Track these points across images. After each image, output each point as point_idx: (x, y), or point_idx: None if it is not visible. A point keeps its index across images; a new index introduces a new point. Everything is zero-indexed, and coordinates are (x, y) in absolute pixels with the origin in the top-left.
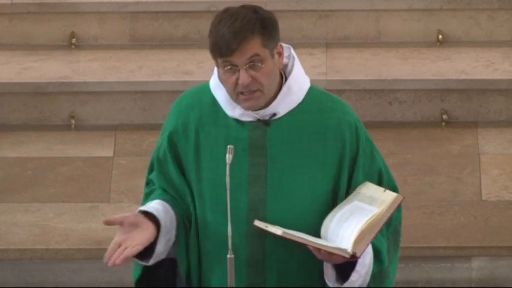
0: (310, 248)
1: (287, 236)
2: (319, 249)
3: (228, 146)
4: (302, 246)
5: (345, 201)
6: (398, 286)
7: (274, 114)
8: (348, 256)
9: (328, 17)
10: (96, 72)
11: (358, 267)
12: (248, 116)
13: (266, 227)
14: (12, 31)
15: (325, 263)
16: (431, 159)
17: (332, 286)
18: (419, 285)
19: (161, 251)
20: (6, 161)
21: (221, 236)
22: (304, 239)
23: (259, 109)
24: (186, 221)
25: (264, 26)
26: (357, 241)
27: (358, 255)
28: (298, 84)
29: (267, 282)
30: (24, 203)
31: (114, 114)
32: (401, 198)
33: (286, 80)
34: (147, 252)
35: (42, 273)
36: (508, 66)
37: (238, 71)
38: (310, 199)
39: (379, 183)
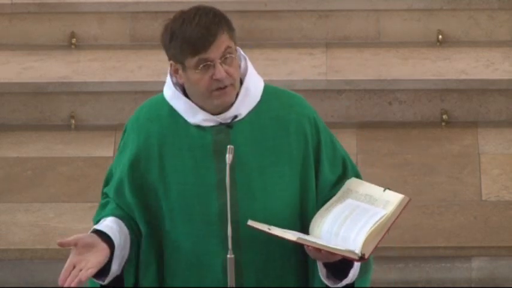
0: (306, 248)
1: (301, 242)
2: (319, 250)
3: (228, 146)
4: (279, 246)
5: (334, 199)
6: (398, 286)
7: (236, 117)
8: (356, 258)
9: (328, 17)
10: (96, 72)
11: (355, 263)
12: (210, 121)
13: (269, 229)
14: (12, 31)
15: (318, 262)
16: (431, 159)
17: (328, 284)
18: (419, 285)
19: (116, 269)
20: (6, 161)
21: (192, 244)
22: (315, 243)
23: (220, 113)
24: (139, 238)
25: (226, 19)
26: (366, 243)
27: (366, 256)
28: (254, 84)
29: (246, 283)
30: (24, 203)
31: (114, 114)
32: (408, 199)
33: (241, 82)
34: (102, 270)
35: (42, 273)
36: (508, 66)
37: (213, 67)
38: (280, 196)
39: (344, 170)
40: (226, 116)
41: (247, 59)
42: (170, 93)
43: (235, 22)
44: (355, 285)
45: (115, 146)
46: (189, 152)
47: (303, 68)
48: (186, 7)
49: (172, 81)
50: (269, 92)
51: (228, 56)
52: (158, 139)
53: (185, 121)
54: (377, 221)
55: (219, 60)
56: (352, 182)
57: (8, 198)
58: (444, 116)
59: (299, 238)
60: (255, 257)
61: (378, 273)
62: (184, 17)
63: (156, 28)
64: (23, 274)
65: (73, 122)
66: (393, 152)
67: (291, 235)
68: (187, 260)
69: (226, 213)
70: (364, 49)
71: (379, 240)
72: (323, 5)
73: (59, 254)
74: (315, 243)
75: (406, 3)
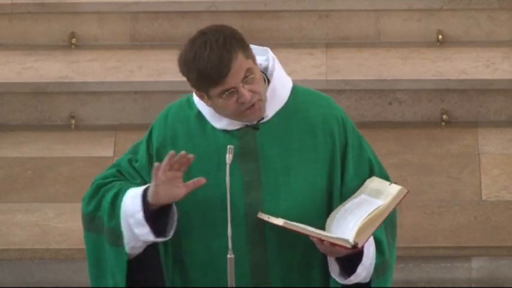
0: (314, 240)
1: (288, 226)
2: (321, 241)
3: (228, 146)
4: (304, 248)
5: (353, 196)
6: (398, 286)
7: (262, 118)
8: (349, 246)
9: (328, 17)
10: (96, 72)
11: (364, 259)
12: (236, 124)
13: (268, 218)
14: (12, 31)
15: (329, 258)
16: (431, 159)
17: (339, 281)
18: (419, 285)
19: (170, 228)
20: (6, 161)
21: (216, 247)
22: (305, 229)
23: None
24: None
25: (237, 39)
26: (359, 232)
27: (359, 245)
28: (282, 84)
29: (273, 283)
30: (24, 203)
31: (114, 114)
32: (406, 191)
33: (269, 82)
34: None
35: (42, 273)
36: (508, 66)
37: (236, 92)
38: (305, 198)
39: (370, 172)
40: None
41: (276, 59)
42: (197, 98)
43: (235, 22)
44: (373, 285)
45: (115, 146)
46: (215, 154)
47: (303, 68)
48: (186, 7)
49: (216, 104)
50: (297, 92)
51: (249, 76)
52: (185, 140)
53: (212, 126)
54: (372, 211)
55: (241, 84)
56: (371, 179)
57: (8, 198)
58: (444, 116)
59: (285, 223)
60: (280, 257)
61: None
62: (196, 50)
63: (156, 28)
64: (23, 274)
65: (73, 122)
66: (393, 152)
67: (278, 220)
68: (209, 261)
69: (251, 211)
70: (364, 49)
71: (373, 230)
72: (323, 5)
73: (59, 254)
74: (304, 229)
75: (406, 3)
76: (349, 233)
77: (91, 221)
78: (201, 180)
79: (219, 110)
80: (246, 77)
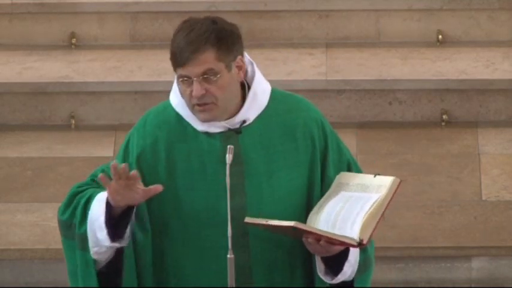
0: (308, 240)
1: (298, 226)
2: (318, 241)
3: (228, 146)
4: (288, 250)
5: (328, 194)
6: (398, 286)
7: (244, 122)
8: (355, 244)
9: (328, 17)
10: (96, 72)
11: (350, 257)
12: (218, 127)
13: (267, 222)
14: (12, 31)
15: (316, 258)
16: (431, 159)
17: (325, 280)
18: (419, 285)
19: (127, 235)
20: (6, 161)
21: (201, 249)
22: (313, 229)
23: (228, 118)
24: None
25: (219, 38)
26: (363, 229)
27: (365, 242)
28: (262, 88)
29: (256, 283)
30: (24, 203)
31: (114, 114)
32: (399, 181)
33: (249, 86)
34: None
35: (42, 273)
36: (508, 66)
37: (192, 83)
38: (288, 201)
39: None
40: (235, 121)
41: (254, 64)
42: (176, 100)
43: (235, 22)
44: (355, 285)
45: (115, 146)
46: (198, 158)
47: (303, 68)
48: (186, 7)
49: (179, 88)
50: (276, 96)
51: (208, 76)
52: (166, 145)
53: (193, 128)
54: (372, 206)
55: (197, 78)
56: (342, 176)
57: (8, 198)
58: (444, 116)
59: (296, 223)
60: (264, 258)
61: (377, 273)
62: (183, 27)
63: (156, 28)
64: (23, 274)
65: (73, 122)
66: (393, 152)
67: (288, 222)
68: (195, 263)
69: (235, 215)
70: (364, 49)
71: (376, 225)
72: (323, 5)
73: (59, 254)
74: (313, 228)
75: (406, 3)
76: (351, 231)
77: (67, 228)
78: (158, 187)
79: (181, 94)
80: (205, 74)
